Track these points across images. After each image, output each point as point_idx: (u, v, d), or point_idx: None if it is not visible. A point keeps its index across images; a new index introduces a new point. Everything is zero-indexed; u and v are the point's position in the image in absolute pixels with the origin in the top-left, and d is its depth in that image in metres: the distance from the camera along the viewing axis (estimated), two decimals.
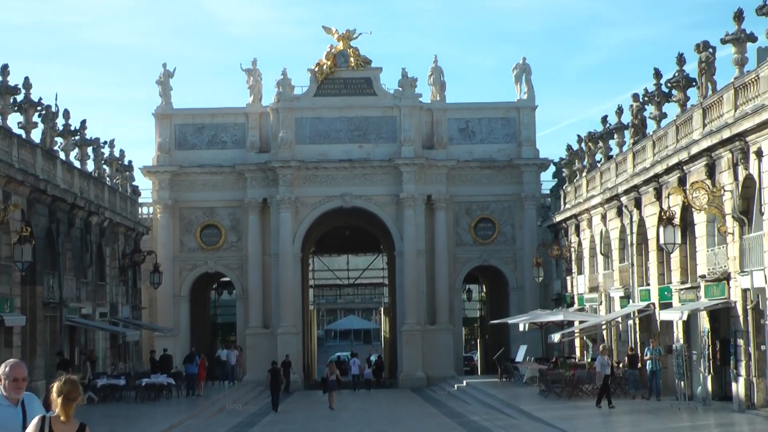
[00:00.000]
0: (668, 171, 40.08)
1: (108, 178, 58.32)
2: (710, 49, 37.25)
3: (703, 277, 37.08)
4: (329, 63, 65.98)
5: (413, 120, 65.43)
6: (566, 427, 33.56)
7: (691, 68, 39.91)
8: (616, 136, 52.03)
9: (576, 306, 57.79)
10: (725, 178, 34.64)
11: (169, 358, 55.37)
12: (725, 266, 35.08)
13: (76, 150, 52.81)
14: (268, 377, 48.84)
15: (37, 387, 40.18)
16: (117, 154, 60.81)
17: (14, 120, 43.53)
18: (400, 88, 65.75)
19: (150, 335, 64.33)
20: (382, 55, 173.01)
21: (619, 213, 48.77)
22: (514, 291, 65.87)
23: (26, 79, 44.26)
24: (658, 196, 41.92)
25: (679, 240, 38.19)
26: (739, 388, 34.20)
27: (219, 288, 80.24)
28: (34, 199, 41.82)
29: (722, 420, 33.35)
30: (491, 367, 65.71)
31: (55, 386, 10.95)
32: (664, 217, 38.20)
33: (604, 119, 54.14)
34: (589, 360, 51.39)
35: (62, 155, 48.94)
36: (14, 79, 43.01)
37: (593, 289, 55.02)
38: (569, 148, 61.66)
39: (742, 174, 33.40)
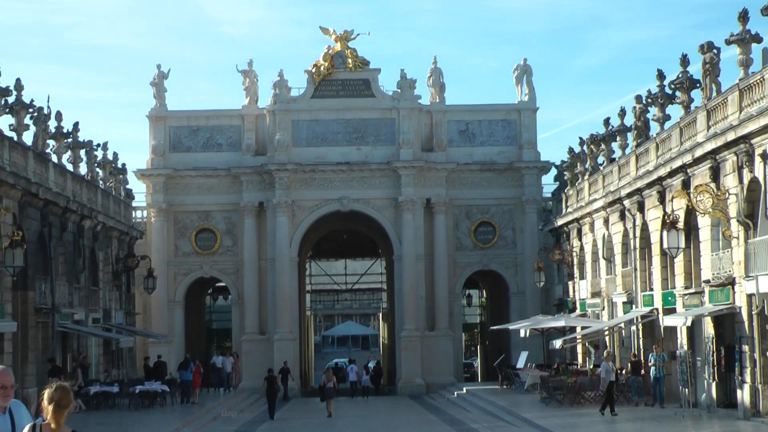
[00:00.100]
0: (672, 174, 40.06)
1: (101, 182, 58.27)
2: (714, 50, 37.24)
3: (707, 282, 37.06)
4: (327, 64, 65.98)
5: (412, 122, 65.42)
6: None
7: (695, 69, 39.96)
8: (618, 138, 52.03)
9: (578, 311, 57.75)
10: (730, 181, 34.62)
11: (163, 365, 55.29)
12: (730, 271, 35.06)
13: (69, 153, 52.74)
14: (265, 384, 48.83)
15: (29, 394, 40.15)
16: (110, 156, 60.79)
17: (5, 122, 43.77)
18: (399, 90, 65.76)
19: (144, 341, 64.28)
20: (380, 56, 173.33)
21: (622, 217, 48.75)
22: (515, 296, 65.84)
23: (18, 80, 44.23)
24: (662, 200, 41.90)
25: (683, 244, 38.16)
26: (744, 395, 34.17)
27: (214, 293, 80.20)
28: (26, 203, 41.77)
29: (727, 428, 33.31)
30: (492, 374, 65.70)
31: (46, 393, 10.92)
32: (668, 221, 38.19)
33: (607, 121, 54.16)
34: (591, 366, 51.37)
35: (54, 158, 48.89)
36: (6, 80, 43.15)
37: (595, 294, 54.99)
38: (571, 150, 61.65)
39: (747, 177, 33.38)
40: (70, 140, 52.37)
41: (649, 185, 43.15)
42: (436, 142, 65.75)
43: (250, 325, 64.71)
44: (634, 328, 47.36)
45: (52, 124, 49.27)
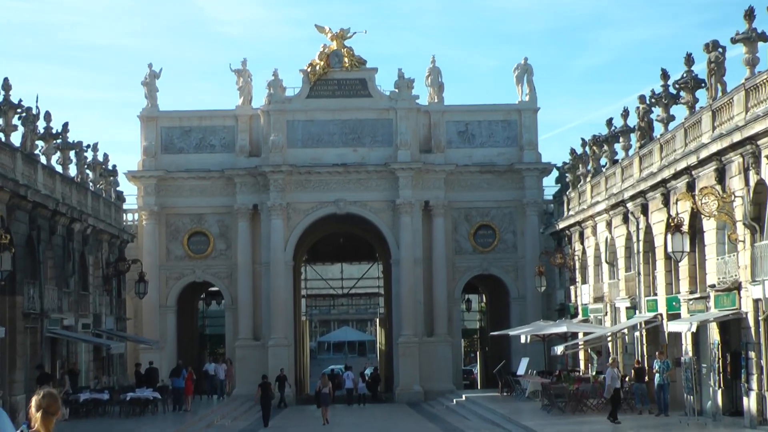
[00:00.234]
0: (676, 176, 40.06)
1: (91, 184, 58.23)
2: (720, 49, 37.24)
3: (712, 286, 37.04)
4: (322, 63, 66.00)
5: (410, 123, 65.43)
6: None
7: (700, 69, 39.93)
8: (621, 139, 52.03)
9: (580, 317, 57.76)
10: (736, 183, 34.61)
11: (154, 372, 55.25)
12: (736, 275, 35.04)
13: (58, 154, 52.70)
14: (259, 391, 48.80)
15: (17, 401, 40.11)
16: (101, 158, 60.75)
17: None
18: (397, 90, 65.78)
19: (135, 347, 64.23)
20: (377, 55, 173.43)
21: (625, 220, 48.75)
22: (516, 301, 65.85)
23: (6, 80, 44.19)
24: (666, 202, 41.90)
25: (687, 248, 38.15)
26: (750, 402, 34.14)
27: (207, 298, 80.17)
28: (14, 205, 41.71)
29: None
30: (491, 381, 65.69)
31: (34, 400, 10.92)
32: (672, 224, 38.18)
33: (609, 122, 54.15)
34: (594, 373, 51.36)
35: (43, 159, 48.84)
36: None
37: (598, 299, 55.00)
38: (573, 152, 61.64)
39: (753, 179, 33.37)
40: (59, 141, 52.32)
41: (653, 187, 43.15)
42: (435, 143, 65.76)
43: (244, 331, 64.69)
44: (637, 334, 47.35)
45: (41, 124, 49.22)
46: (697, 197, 35.79)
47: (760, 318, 33.45)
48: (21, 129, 45.89)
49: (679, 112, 43.05)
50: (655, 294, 44.90)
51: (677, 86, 41.87)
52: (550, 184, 68.42)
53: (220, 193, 65.71)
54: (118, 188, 64.83)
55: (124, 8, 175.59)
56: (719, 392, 37.40)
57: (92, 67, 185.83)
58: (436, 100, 66.35)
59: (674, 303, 41.96)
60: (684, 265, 40.18)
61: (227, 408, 55.91)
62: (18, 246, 41.61)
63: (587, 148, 58.55)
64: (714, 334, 37.63)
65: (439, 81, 66.55)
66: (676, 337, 42.00)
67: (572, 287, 60.68)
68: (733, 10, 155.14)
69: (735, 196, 34.50)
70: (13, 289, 41.72)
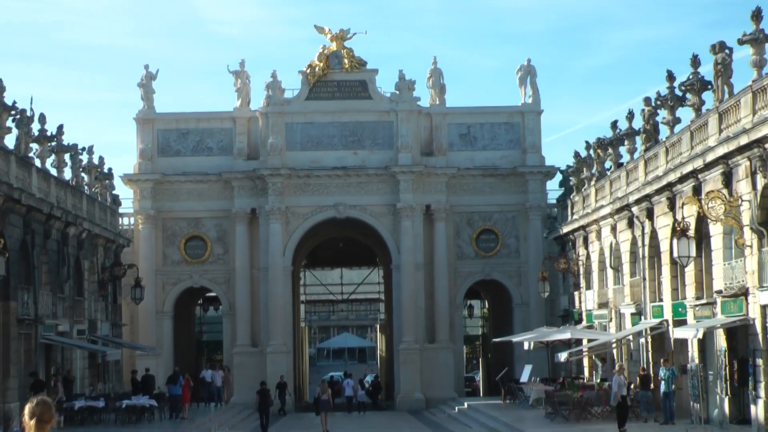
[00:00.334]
0: (682, 179, 40.05)
1: (86, 187, 58.22)
2: (727, 50, 37.25)
3: (719, 292, 37.03)
4: (322, 65, 66.00)
5: (411, 125, 65.43)
6: None
7: (707, 70, 39.92)
8: (626, 142, 52.04)
9: (584, 323, 57.75)
10: (743, 187, 34.61)
11: (151, 379, 55.21)
12: (743, 281, 35.03)
13: (53, 157, 52.69)
14: (257, 399, 48.78)
15: (11, 409, 40.07)
16: (96, 161, 60.74)
17: None
18: (397, 92, 65.78)
19: (131, 354, 64.19)
20: (378, 57, 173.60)
21: (630, 224, 48.74)
22: (519, 307, 65.82)
23: None
24: (672, 207, 41.89)
25: (693, 253, 38.12)
26: (758, 410, 34.14)
27: (204, 304, 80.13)
28: (8, 209, 41.72)
29: None
30: (494, 388, 65.61)
31: (27, 408, 10.92)
32: (678, 229, 38.18)
33: (614, 124, 54.17)
34: (599, 380, 51.34)
35: (38, 162, 48.85)
36: None
37: (602, 305, 54.98)
38: (577, 155, 61.64)
39: (760, 183, 33.37)
40: (54, 144, 52.31)
41: (659, 191, 43.15)
42: (436, 146, 65.76)
43: (242, 337, 64.66)
44: (642, 340, 47.34)
45: (36, 126, 49.23)
46: (703, 201, 35.78)
47: (767, 324, 33.43)
48: (15, 131, 45.91)
49: (686, 114, 43.08)
50: (661, 300, 44.87)
51: (683, 88, 41.87)
52: (553, 188, 68.53)
53: (218, 196, 65.69)
54: (113, 192, 64.79)
55: (119, 8, 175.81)
56: (726, 400, 37.38)
57: (88, 68, 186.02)
58: (437, 102, 66.35)
59: (680, 309, 41.94)
60: (690, 271, 40.17)
61: (225, 416, 55.87)
62: (12, 250, 41.61)
63: (591, 151, 58.54)
64: (721, 340, 37.61)
65: (440, 82, 66.56)
66: (682, 343, 41.98)
67: (576, 293, 60.66)
68: (739, 11, 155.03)
69: (742, 200, 34.48)
70: (7, 294, 41.72)
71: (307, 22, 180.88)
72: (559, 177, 67.13)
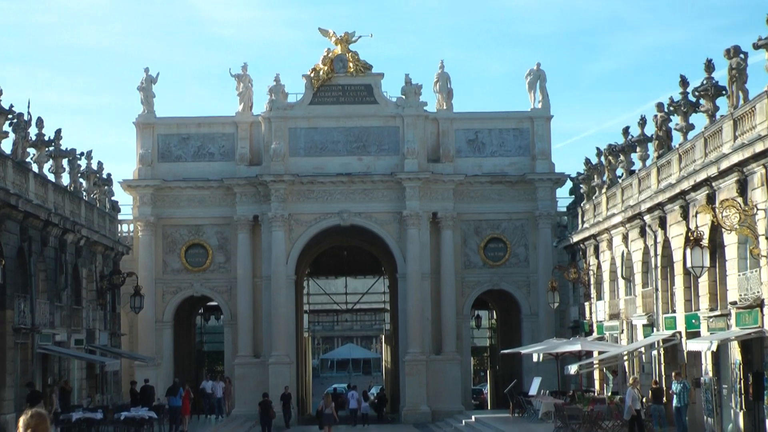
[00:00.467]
0: (696, 187, 40.02)
1: (85, 193, 58.29)
2: (741, 55, 37.22)
3: (734, 303, 36.98)
4: (326, 68, 66.07)
5: (417, 131, 65.46)
6: None
7: (721, 75, 39.94)
8: (638, 149, 52.00)
9: (595, 335, 57.68)
10: (758, 195, 34.57)
11: (150, 390, 55.21)
12: (758, 292, 34.97)
13: (51, 162, 52.74)
14: (259, 411, 48.80)
15: (6, 421, 40.07)
16: (95, 166, 60.80)
17: None
18: (404, 96, 65.82)
19: (130, 364, 64.22)
20: (383, 60, 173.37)
21: (642, 233, 48.70)
22: (528, 318, 65.79)
23: None
24: (685, 215, 41.85)
25: (707, 263, 38.07)
26: None
27: (205, 313, 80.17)
28: (4, 216, 41.75)
29: None
30: (502, 401, 65.58)
31: (22, 420, 10.94)
32: (692, 238, 38.11)
33: (626, 131, 54.12)
34: (610, 394, 51.27)
35: (35, 167, 48.90)
36: None
37: (614, 316, 54.92)
38: (587, 162, 61.63)
39: None
40: (51, 148, 52.37)
41: (672, 199, 43.12)
42: (443, 152, 65.79)
43: (244, 348, 64.66)
44: (655, 352, 47.28)
45: (33, 131, 49.28)
46: (717, 210, 35.72)
47: None
48: (12, 136, 45.92)
49: (699, 120, 43.05)
50: (674, 311, 44.82)
51: (697, 94, 41.84)
52: (563, 196, 68.52)
53: (219, 203, 65.75)
54: (112, 198, 64.86)
55: (118, 10, 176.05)
56: (741, 414, 37.31)
57: (86, 71, 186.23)
58: (444, 107, 66.39)
59: (693, 321, 41.89)
60: (704, 281, 40.11)
61: (226, 428, 55.90)
62: (8, 258, 41.63)
63: (603, 158, 58.52)
64: (735, 353, 37.55)
65: (447, 87, 66.60)
66: (696, 356, 41.92)
67: (587, 303, 60.61)
68: (755, 14, 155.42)
69: (757, 209, 34.43)
70: (3, 303, 41.74)
71: (312, 24, 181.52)
72: (569, 184, 67.12)
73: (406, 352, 64.67)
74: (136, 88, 66.72)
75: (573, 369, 50.24)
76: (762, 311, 34.65)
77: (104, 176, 62.90)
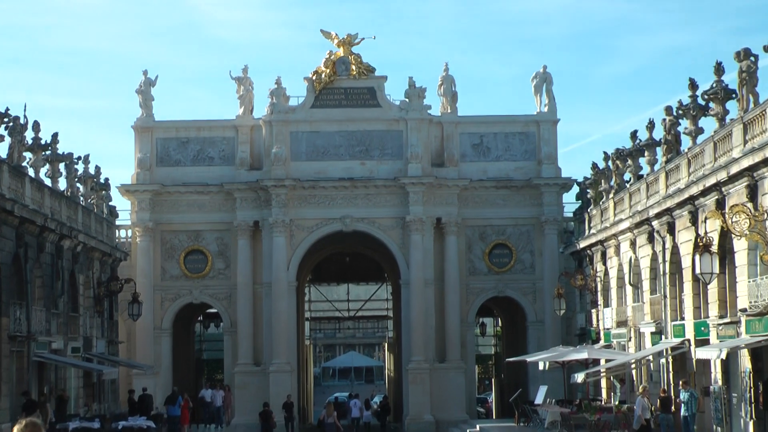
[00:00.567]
0: (705, 192, 40.01)
1: (82, 198, 58.31)
2: (752, 58, 37.23)
3: (743, 311, 36.95)
4: (328, 71, 66.08)
5: (421, 134, 65.45)
6: None
7: (731, 78, 39.93)
8: (646, 153, 52.01)
9: (602, 342, 57.63)
10: None
11: (148, 399, 55.20)
12: None
13: (47, 166, 52.81)
14: (260, 420, 48.79)
15: (2, 430, 40.02)
16: (92, 171, 60.85)
17: None
18: (407, 99, 65.82)
19: (128, 373, 64.19)
20: (387, 63, 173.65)
21: (651, 239, 48.68)
22: (533, 325, 65.76)
23: None
24: (694, 221, 41.83)
25: (717, 269, 38.05)
26: None
27: (205, 320, 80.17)
28: (0, 221, 41.75)
29: None
30: (507, 410, 65.53)
31: (16, 429, 10.94)
32: (701, 244, 38.09)
33: (634, 135, 54.15)
34: (617, 403, 51.23)
35: (31, 172, 48.94)
36: None
37: (621, 323, 54.89)
38: (595, 166, 61.65)
39: None
40: (48, 152, 52.44)
41: (680, 205, 43.10)
42: (448, 156, 65.77)
43: (244, 356, 64.63)
44: (663, 360, 47.25)
45: (29, 134, 49.34)
46: (727, 215, 35.70)
47: None
48: (8, 140, 45.99)
49: (709, 124, 43.06)
50: (683, 318, 44.79)
51: (706, 97, 41.83)
52: (570, 201, 68.51)
53: (219, 208, 65.74)
54: (110, 203, 64.88)
55: (112, 11, 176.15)
56: (751, 424, 37.28)
57: (83, 73, 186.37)
58: (449, 111, 66.38)
59: (703, 328, 41.86)
60: (713, 288, 40.08)
61: None
62: (4, 264, 41.66)
63: (610, 163, 58.52)
64: (745, 361, 37.52)
65: (452, 90, 66.59)
66: (705, 364, 41.88)
67: (594, 311, 60.57)
68: (765, 17, 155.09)
69: None
70: None
71: (314, 26, 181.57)
72: (576, 189, 67.11)
73: (410, 360, 64.62)
74: (134, 91, 66.81)
75: (580, 377, 50.22)
76: None
77: (102, 181, 62.92)
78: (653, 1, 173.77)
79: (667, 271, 46.35)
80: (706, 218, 40.06)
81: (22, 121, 47.15)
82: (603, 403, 54.09)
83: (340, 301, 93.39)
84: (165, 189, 65.39)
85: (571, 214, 67.72)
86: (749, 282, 36.66)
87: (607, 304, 58.18)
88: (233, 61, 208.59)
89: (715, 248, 38.19)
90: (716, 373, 40.42)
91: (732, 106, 39.94)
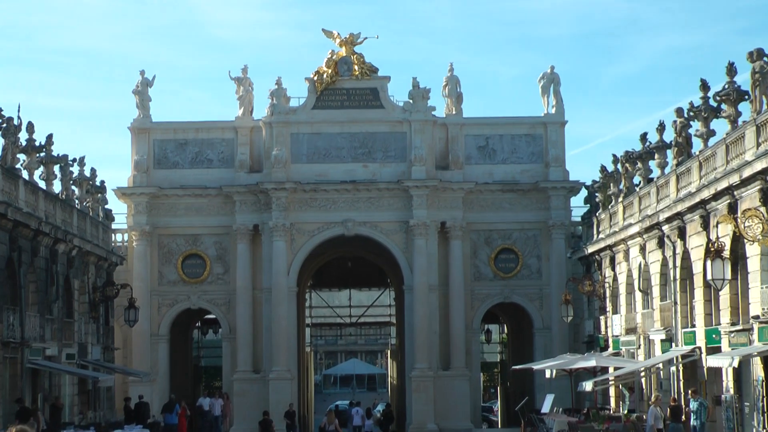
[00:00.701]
0: (717, 196, 39.97)
1: (77, 201, 58.31)
2: (765, 58, 37.20)
3: (756, 318, 36.91)
4: (330, 71, 66.08)
5: (425, 136, 65.43)
6: None
7: (743, 79, 39.91)
8: (657, 156, 51.96)
9: (610, 350, 57.57)
10: None
11: (145, 407, 55.20)
12: None
13: (41, 168, 52.80)
14: (259, 429, 48.77)
15: None
16: (88, 173, 60.83)
17: None
18: (411, 100, 65.80)
19: (124, 380, 64.19)
20: (390, 63, 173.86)
21: (661, 244, 48.64)
22: (540, 332, 65.70)
23: None
24: (705, 225, 41.79)
25: (729, 275, 38.03)
26: None
27: (203, 327, 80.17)
28: None
29: None
30: (513, 419, 65.48)
31: None
32: (712, 249, 38.06)
33: (644, 137, 54.10)
34: (626, 412, 51.17)
35: (25, 174, 48.95)
36: None
37: (630, 330, 54.84)
38: (603, 169, 61.60)
39: None
40: (42, 154, 52.42)
41: (691, 209, 43.06)
42: (452, 158, 65.76)
43: (243, 363, 64.59)
44: (673, 369, 47.20)
45: (23, 136, 49.37)
46: (739, 220, 35.69)
47: None
48: (1, 141, 46.01)
49: (720, 126, 43.02)
50: (693, 325, 44.74)
51: (718, 98, 41.80)
52: (578, 205, 68.37)
53: (218, 212, 65.73)
54: (106, 206, 64.89)
55: (109, 10, 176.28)
56: None
57: (79, 73, 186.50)
58: (453, 112, 66.36)
59: (714, 335, 41.81)
60: (725, 294, 40.04)
61: None
62: None
63: (619, 166, 58.47)
64: (758, 369, 37.48)
65: (457, 91, 66.58)
66: (716, 373, 41.83)
67: (602, 317, 60.52)
68: None
69: None
70: None
71: (315, 25, 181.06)
72: (584, 193, 67.09)
73: (413, 368, 64.58)
74: (131, 92, 66.82)
75: (588, 386, 50.14)
76: None
77: (97, 183, 62.93)
78: (661, 0, 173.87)
79: (678, 277, 46.30)
80: (717, 223, 40.02)
81: (15, 122, 47.16)
82: (612, 412, 54.06)
83: (342, 307, 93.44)
84: (162, 192, 65.38)
85: (579, 219, 67.67)
86: (762, 288, 36.62)
87: (615, 311, 58.14)
88: (232, 61, 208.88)
89: (727, 253, 38.16)
90: (728, 381, 40.37)
91: (744, 107, 39.96)
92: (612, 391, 58.22)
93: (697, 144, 45.28)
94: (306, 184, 64.59)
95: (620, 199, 56.97)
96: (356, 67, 66.09)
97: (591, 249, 61.38)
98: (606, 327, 59.65)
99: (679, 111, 47.21)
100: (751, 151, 36.74)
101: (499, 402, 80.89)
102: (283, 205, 64.29)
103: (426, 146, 65.19)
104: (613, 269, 58.24)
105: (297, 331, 68.05)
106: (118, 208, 66.83)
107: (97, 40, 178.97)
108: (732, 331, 39.60)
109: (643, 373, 51.53)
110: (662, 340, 48.96)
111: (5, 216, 42.55)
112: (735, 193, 38.25)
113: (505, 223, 66.08)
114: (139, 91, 66.60)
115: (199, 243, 65.97)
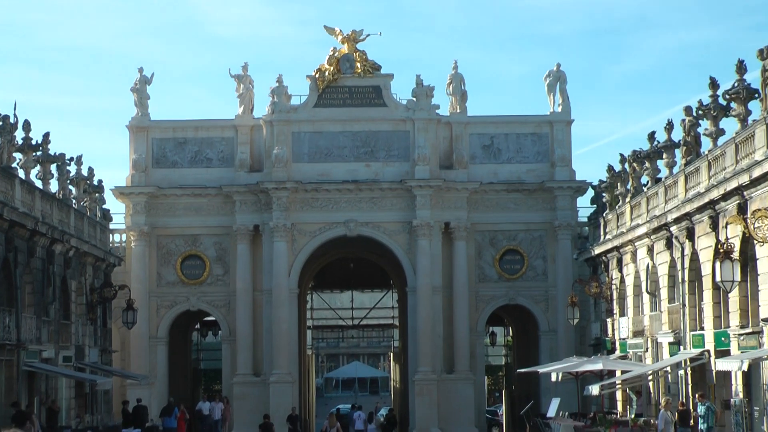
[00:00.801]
0: (726, 197, 39.93)
1: (74, 201, 58.31)
2: None
3: (766, 320, 36.89)
4: (332, 69, 66.08)
5: (429, 135, 65.43)
6: None
7: (753, 77, 39.86)
8: (665, 155, 51.92)
9: (617, 353, 57.59)
10: None
11: (143, 410, 55.17)
12: None
13: (38, 168, 52.80)
14: None
15: None
16: (85, 172, 60.83)
17: None
18: (414, 99, 65.81)
19: (122, 383, 64.19)
20: (393, 60, 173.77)
21: (669, 245, 48.61)
22: (546, 335, 65.70)
23: None
24: (714, 226, 41.76)
25: (738, 277, 37.98)
26: None
27: (202, 329, 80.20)
28: None
29: None
30: (518, 424, 65.50)
31: None
32: (722, 251, 38.01)
33: (652, 136, 54.06)
34: (633, 416, 51.15)
35: (21, 173, 48.92)
36: None
37: (638, 333, 54.83)
38: (610, 169, 61.57)
39: None
40: (39, 153, 52.42)
41: (700, 209, 43.02)
42: (457, 158, 65.74)
43: (243, 366, 64.59)
44: (681, 372, 47.18)
45: (19, 134, 49.33)
46: (749, 221, 35.66)
47: None
48: None
49: (730, 125, 42.96)
50: (702, 328, 44.71)
51: (728, 96, 41.73)
52: (584, 205, 68.43)
53: (218, 212, 65.74)
54: (104, 206, 64.90)
55: (107, 7, 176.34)
56: None
57: (76, 71, 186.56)
58: (458, 111, 66.35)
59: (723, 338, 41.77)
60: (734, 296, 40.00)
61: None
62: None
63: (626, 165, 58.44)
64: (767, 373, 37.44)
65: (461, 89, 66.56)
66: (725, 376, 41.80)
67: (609, 320, 60.50)
68: None
69: None
70: None
71: (317, 22, 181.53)
72: (590, 193, 67.09)
73: (416, 371, 64.59)
74: (129, 90, 66.86)
75: (594, 389, 50.12)
76: None
77: (95, 183, 62.93)
78: None
79: (686, 278, 46.27)
80: (727, 223, 39.98)
81: (12, 120, 47.17)
82: (618, 416, 54.01)
83: (344, 309, 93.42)
84: (161, 191, 65.38)
85: (585, 219, 67.66)
86: None
87: (623, 313, 58.11)
88: (233, 59, 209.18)
89: (736, 255, 38.12)
90: (737, 385, 40.33)
91: (754, 106, 39.89)
92: (619, 395, 58.19)
93: (706, 143, 45.25)
94: (307, 184, 64.59)
95: (628, 200, 56.94)
96: (359, 65, 66.10)
97: (598, 250, 61.36)
98: (613, 329, 59.64)
99: (687, 110, 47.18)
100: (761, 151, 36.70)
101: (503, 406, 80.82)
102: (284, 205, 64.29)
103: (430, 145, 65.18)
104: (620, 271, 58.22)
105: (298, 333, 68.06)
106: (116, 207, 67.22)
107: (95, 37, 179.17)
108: (741, 334, 39.57)
109: (650, 377, 51.53)
110: (670, 343, 48.93)
111: (1, 216, 42.53)
112: (745, 193, 38.21)
113: (510, 224, 66.07)
114: (138, 89, 66.61)
115: (199, 243, 65.98)
